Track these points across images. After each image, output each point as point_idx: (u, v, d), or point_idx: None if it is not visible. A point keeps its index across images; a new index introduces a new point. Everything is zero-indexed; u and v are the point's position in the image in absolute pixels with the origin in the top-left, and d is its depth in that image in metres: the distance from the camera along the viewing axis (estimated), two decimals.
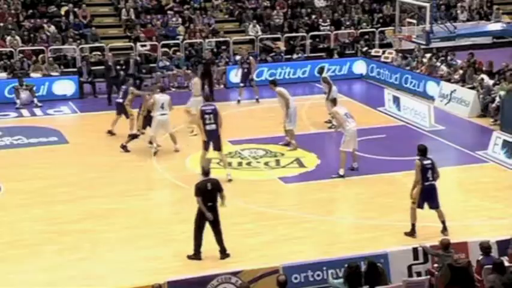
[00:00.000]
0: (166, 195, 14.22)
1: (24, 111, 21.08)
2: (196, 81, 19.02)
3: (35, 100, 21.58)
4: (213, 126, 14.39)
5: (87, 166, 15.77)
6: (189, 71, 22.99)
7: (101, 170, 15.41)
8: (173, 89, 23.42)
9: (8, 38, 24.05)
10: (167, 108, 16.38)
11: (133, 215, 13.04)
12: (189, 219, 12.20)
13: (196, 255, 11.21)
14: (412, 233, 11.84)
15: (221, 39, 25.65)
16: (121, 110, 17.91)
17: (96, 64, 23.90)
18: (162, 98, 16.61)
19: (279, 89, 16.95)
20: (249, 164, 15.97)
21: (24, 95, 21.65)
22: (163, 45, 24.88)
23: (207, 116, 14.42)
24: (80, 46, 24.33)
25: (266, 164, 15.91)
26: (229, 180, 14.41)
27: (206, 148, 14.59)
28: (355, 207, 12.98)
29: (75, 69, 23.42)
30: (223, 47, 25.30)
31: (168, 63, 23.88)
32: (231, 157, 16.24)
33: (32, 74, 22.84)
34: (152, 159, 16.13)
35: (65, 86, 22.32)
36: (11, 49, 23.75)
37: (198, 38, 25.45)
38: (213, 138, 14.60)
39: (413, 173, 11.88)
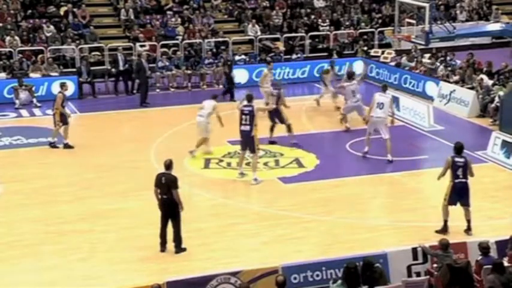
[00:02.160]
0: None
1: (24, 112, 21.08)
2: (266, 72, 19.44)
3: (34, 100, 21.58)
4: (247, 128, 14.49)
5: (86, 166, 15.77)
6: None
7: (100, 170, 15.41)
8: (172, 89, 23.46)
9: (7, 38, 24.05)
10: (206, 110, 16.29)
11: (132, 215, 13.04)
12: (187, 219, 12.23)
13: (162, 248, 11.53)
14: (444, 230, 11.91)
15: (220, 39, 25.67)
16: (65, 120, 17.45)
17: (96, 64, 23.94)
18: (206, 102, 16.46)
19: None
20: (248, 164, 15.97)
21: (23, 95, 21.67)
22: (163, 46, 24.89)
23: (243, 117, 14.58)
24: (79, 46, 24.34)
25: (265, 164, 15.90)
26: (256, 180, 14.49)
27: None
28: (354, 208, 12.99)
29: (74, 70, 23.45)
30: (223, 47, 25.33)
31: (167, 64, 23.88)
32: (231, 157, 16.24)
33: (31, 74, 22.84)
34: (152, 159, 16.14)
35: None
36: (10, 49, 23.74)
37: (197, 38, 25.47)
38: (244, 139, 14.66)
39: (412, 173, 11.92)
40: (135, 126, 19.16)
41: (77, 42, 24.56)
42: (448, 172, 12.05)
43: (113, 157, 16.37)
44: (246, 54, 25.19)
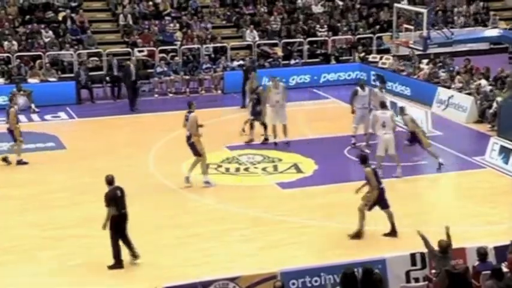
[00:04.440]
0: (161, 201, 14.14)
1: (22, 117, 20.91)
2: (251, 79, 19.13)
3: (33, 106, 21.53)
4: (187, 133, 14.64)
5: (83, 171, 15.74)
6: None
7: (98, 175, 15.17)
8: (171, 95, 23.44)
9: (5, 43, 24.03)
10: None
11: (129, 221, 12.94)
12: (184, 225, 12.19)
13: (119, 264, 11.23)
14: (357, 236, 12.19)
15: (218, 44, 25.66)
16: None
17: (94, 70, 23.92)
18: None
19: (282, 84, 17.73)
20: (246, 169, 15.95)
21: (21, 100, 21.59)
22: (161, 51, 24.87)
23: (186, 123, 14.85)
24: (78, 52, 24.33)
25: (264, 169, 15.89)
26: (208, 183, 14.59)
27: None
28: (352, 213, 12.93)
29: (72, 75, 23.44)
30: (221, 53, 25.32)
31: (165, 69, 23.87)
32: (229, 163, 16.23)
33: (30, 80, 22.84)
34: (150, 164, 16.08)
35: (63, 92, 22.27)
36: (8, 54, 23.72)
37: (195, 44, 25.45)
38: (188, 145, 14.85)
39: (409, 179, 11.90)
40: (133, 132, 19.13)
41: (75, 47, 24.56)
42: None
43: (110, 162, 16.29)
44: (243, 59, 25.17)
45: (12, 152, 16.61)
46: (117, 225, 11.13)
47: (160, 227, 12.74)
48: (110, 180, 11.30)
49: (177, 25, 26.33)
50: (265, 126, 17.39)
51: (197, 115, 14.61)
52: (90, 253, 11.71)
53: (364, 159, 12.14)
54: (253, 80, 19.03)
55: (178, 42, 25.50)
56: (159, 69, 23.83)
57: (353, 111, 17.10)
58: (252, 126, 17.48)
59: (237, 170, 15.90)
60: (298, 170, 15.71)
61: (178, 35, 25.91)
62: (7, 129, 16.63)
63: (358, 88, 17.67)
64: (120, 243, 11.27)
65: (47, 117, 21.10)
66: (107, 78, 23.23)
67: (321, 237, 12.31)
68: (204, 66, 24.10)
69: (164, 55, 24.73)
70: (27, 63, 23.69)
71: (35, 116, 21.12)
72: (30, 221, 13.13)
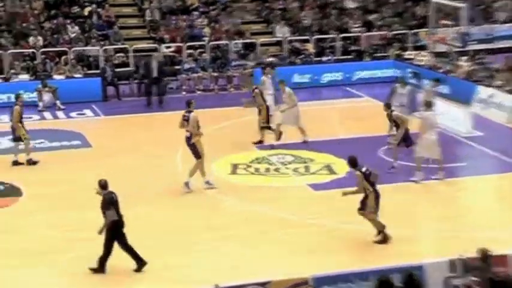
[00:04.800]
0: (189, 202, 14.13)
1: (47, 114, 21.28)
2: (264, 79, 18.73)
3: (58, 103, 21.73)
4: (187, 134, 14.50)
5: (110, 170, 15.67)
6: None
7: (125, 175, 15.38)
8: (199, 92, 23.47)
9: (31, 38, 24.26)
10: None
11: (155, 222, 12.98)
12: (212, 227, 12.15)
13: (102, 269, 11.02)
14: (384, 240, 11.97)
15: (248, 40, 25.61)
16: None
17: (120, 66, 24.04)
18: None
19: (288, 89, 17.34)
20: (277, 170, 15.88)
21: (46, 97, 21.85)
22: (189, 47, 24.90)
23: (184, 123, 14.75)
24: (104, 47, 24.46)
25: (295, 170, 15.80)
26: (187, 186, 14.45)
27: None
28: (389, 216, 12.77)
29: (98, 71, 23.60)
30: (250, 49, 25.27)
31: (193, 65, 23.91)
32: (258, 163, 16.18)
33: (55, 76, 23.06)
34: (178, 163, 16.10)
35: (89, 88, 22.49)
36: (34, 50, 23.95)
37: (224, 40, 25.44)
38: (188, 146, 14.78)
39: (451, 181, 11.69)
40: (161, 130, 19.16)
41: (101, 43, 24.68)
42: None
43: (136, 161, 16.38)
44: (274, 56, 25.11)
45: (16, 151, 16.50)
46: (117, 230, 10.93)
47: (188, 228, 12.71)
48: (104, 185, 11.11)
49: (205, 20, 26.35)
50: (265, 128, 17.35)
51: (197, 115, 14.48)
52: (113, 256, 11.61)
53: (353, 162, 11.92)
54: (266, 76, 18.73)
55: (207, 38, 25.51)
56: (186, 66, 23.88)
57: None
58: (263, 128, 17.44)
59: (267, 170, 15.84)
60: (331, 171, 15.58)
61: (207, 30, 25.93)
62: (11, 127, 16.56)
63: (398, 86, 17.52)
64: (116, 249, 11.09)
65: (73, 114, 21.27)
66: (135, 75, 23.30)
67: (353, 241, 12.16)
68: (233, 63, 24.08)
69: (192, 51, 24.75)
70: (52, 59, 23.89)
71: (60, 113, 21.33)
72: (53, 221, 13.18)
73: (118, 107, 21.90)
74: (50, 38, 24.63)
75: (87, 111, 21.53)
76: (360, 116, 19.86)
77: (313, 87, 23.71)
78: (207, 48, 24.96)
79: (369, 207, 11.85)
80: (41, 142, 18.11)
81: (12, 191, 14.68)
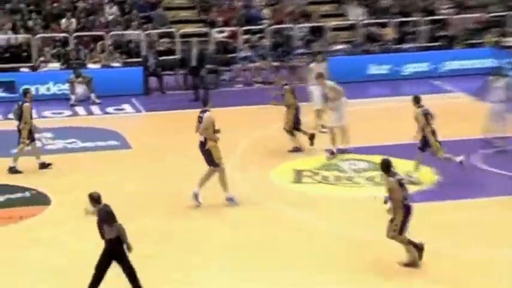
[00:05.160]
0: (245, 215, 14.06)
1: (80, 109, 21.58)
2: (313, 67, 18.98)
3: (93, 96, 22.02)
4: (202, 138, 14.21)
5: (152, 175, 15.89)
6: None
7: (167, 181, 15.44)
8: (257, 85, 23.47)
9: (63, 21, 24.64)
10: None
11: (207, 237, 12.94)
12: (271, 239, 12.01)
13: None
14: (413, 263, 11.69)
15: (315, 24, 25.49)
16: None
17: (165, 53, 24.22)
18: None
19: (330, 82, 17.17)
20: (349, 178, 15.72)
21: (80, 89, 22.17)
22: (245, 31, 24.94)
23: (199, 125, 14.34)
24: (146, 32, 24.67)
25: (369, 179, 15.63)
26: (231, 200, 14.23)
27: None
28: (492, 239, 12.40)
29: (139, 60, 23.81)
30: (318, 35, 25.15)
31: (250, 54, 23.93)
32: (327, 170, 16.04)
33: (89, 65, 23.40)
34: (231, 170, 16.04)
35: (128, 79, 22.77)
36: (66, 34, 24.32)
37: (287, 23, 25.39)
38: (201, 152, 14.56)
39: None
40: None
41: (144, 26, 24.90)
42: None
43: (183, 166, 16.36)
44: (347, 42, 24.96)
45: (36, 153, 16.63)
46: (118, 249, 10.74)
47: (242, 247, 12.63)
48: (97, 198, 10.83)
49: (265, 0, 26.36)
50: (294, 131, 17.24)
51: (213, 115, 14.25)
52: (157, 274, 11.66)
53: (387, 166, 11.66)
54: (317, 64, 18.76)
55: (266, 21, 25.49)
56: (242, 54, 23.94)
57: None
58: (293, 132, 17.25)
59: (338, 179, 15.68)
60: (414, 181, 15.31)
61: (266, 12, 25.90)
62: (17, 127, 16.40)
63: (493, 78, 17.17)
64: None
65: (109, 109, 21.53)
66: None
67: (440, 264, 11.90)
68: (298, 50, 24.03)
69: (249, 36, 24.77)
70: (87, 45, 24.25)
71: (95, 108, 21.63)
72: (88, 234, 13.25)
73: (161, 101, 22.03)
74: (84, 20, 25.00)
75: (126, 106, 21.77)
76: (449, 115, 19.45)
77: (392, 80, 23.50)
78: (267, 33, 24.95)
79: (394, 225, 11.57)
80: (72, 142, 18.34)
81: (40, 199, 14.85)
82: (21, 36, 24.23)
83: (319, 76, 17.27)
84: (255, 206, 14.38)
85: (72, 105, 21.75)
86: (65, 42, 24.26)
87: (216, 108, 20.24)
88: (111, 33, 24.50)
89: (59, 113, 21.21)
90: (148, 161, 16.87)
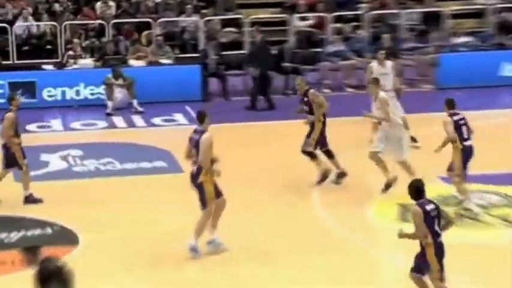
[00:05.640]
0: (350, 260, 13.97)
1: (118, 120, 21.90)
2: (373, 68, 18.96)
3: (135, 102, 22.27)
4: (194, 168, 14.06)
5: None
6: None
7: (231, 214, 15.30)
8: (349, 90, 23.30)
9: (98, 4, 24.96)
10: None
11: None
12: None
13: None
14: None
15: (430, 9, 25.25)
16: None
17: (230, 47, 24.42)
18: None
19: (382, 95, 16.64)
20: (474, 217, 15.55)
21: (119, 94, 22.43)
22: (336, 19, 24.88)
23: (192, 151, 14.11)
24: (205, 18, 24.86)
25: (504, 218, 15.42)
26: (194, 250, 13.88)
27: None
28: None
29: (196, 55, 24.07)
30: (434, 24, 24.92)
31: (342, 48, 23.80)
32: (447, 204, 15.76)
33: (132, 61, 23.67)
34: (315, 203, 16.06)
35: (181, 81, 22.98)
36: (102, 21, 24.67)
37: (391, 8, 25.23)
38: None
39: None
40: (287, 148, 18.86)
41: (202, 12, 25.12)
42: None
43: (251, 198, 16.33)
44: (472, 34, 24.64)
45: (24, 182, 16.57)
46: None
47: None
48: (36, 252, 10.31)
49: None
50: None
51: (212, 136, 13.96)
52: None
53: (415, 191, 11.65)
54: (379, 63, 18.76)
55: (364, 5, 25.39)
56: (331, 49, 23.84)
57: None
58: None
59: (460, 216, 15.46)
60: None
61: None
62: (2, 145, 16.27)
63: None
64: None
65: (156, 120, 21.74)
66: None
67: None
68: (407, 44, 23.86)
69: (341, 25, 24.75)
70: (128, 35, 24.54)
71: (137, 119, 21.91)
72: (123, 283, 13.33)
73: (225, 110, 22.01)
74: (125, 4, 25.34)
75: (178, 116, 21.99)
76: None
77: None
78: (365, 21, 24.87)
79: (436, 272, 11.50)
80: (108, 163, 18.49)
81: (65, 236, 14.93)
82: (45, 24, 24.61)
83: (373, 82, 16.86)
84: (350, 252, 14.28)
85: (109, 114, 22.09)
86: (100, 32, 24.57)
87: (290, 121, 20.61)
88: (160, 20, 24.73)
89: (91, 125, 21.57)
90: None
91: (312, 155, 16.96)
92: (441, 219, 11.61)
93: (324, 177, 16.91)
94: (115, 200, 16.52)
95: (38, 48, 24.37)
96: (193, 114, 21.67)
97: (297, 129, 18.73)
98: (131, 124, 21.61)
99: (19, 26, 24.53)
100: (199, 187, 13.89)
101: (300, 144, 17.02)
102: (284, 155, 18.66)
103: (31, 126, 21.16)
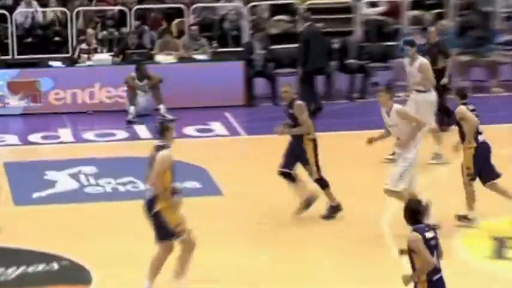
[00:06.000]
0: None
1: (141, 129, 21.95)
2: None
3: (162, 108, 22.35)
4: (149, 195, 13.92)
5: (255, 244, 15.92)
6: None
7: (279, 252, 15.43)
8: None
9: None
10: None
11: None
12: None
13: None
14: None
15: None
16: None
17: (280, 39, 24.43)
18: None
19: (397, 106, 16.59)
20: None
21: (143, 98, 22.53)
22: (413, 4, 25.02)
23: None
24: (251, 4, 25.08)
25: None
26: None
27: None
28: None
29: (239, 49, 24.24)
30: None
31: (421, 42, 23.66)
32: None
33: (159, 57, 23.73)
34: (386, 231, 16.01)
35: (220, 81, 22.98)
36: (123, 7, 24.85)
37: None
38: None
39: None
40: (360, 163, 19.29)
41: None
42: None
43: (302, 227, 16.32)
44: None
45: None
46: None
47: None
48: None
49: None
50: None
51: (171, 155, 13.70)
52: None
53: (412, 214, 11.64)
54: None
55: None
56: (408, 41, 23.65)
57: None
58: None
59: None
60: None
61: None
62: None
63: None
64: None
65: (189, 130, 21.71)
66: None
67: None
68: (501, 37, 23.71)
69: (420, 13, 24.88)
70: (155, 24, 24.63)
71: None
72: None
73: (274, 117, 21.92)
74: None
75: (216, 126, 22.01)
76: None
77: None
78: (450, 9, 24.97)
79: None
80: (128, 182, 18.50)
81: (74, 274, 14.88)
82: (52, 10, 24.70)
83: (384, 90, 16.66)
84: None
85: (130, 122, 22.23)
86: (120, 21, 24.73)
87: (357, 131, 20.50)
88: (195, 5, 24.84)
89: (108, 135, 21.62)
90: (247, 215, 16.91)
91: (290, 177, 16.88)
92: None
93: (309, 203, 16.81)
94: (137, 229, 15.94)
95: (44, 40, 24.45)
96: (235, 123, 21.74)
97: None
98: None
99: (21, 13, 24.67)
100: (156, 217, 13.75)
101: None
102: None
103: (34, 137, 21.31)
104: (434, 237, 11.55)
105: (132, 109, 22.34)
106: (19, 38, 24.40)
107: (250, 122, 22.15)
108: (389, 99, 16.42)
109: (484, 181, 16.23)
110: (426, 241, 11.50)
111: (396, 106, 16.41)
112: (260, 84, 23.38)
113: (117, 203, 17.63)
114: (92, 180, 18.58)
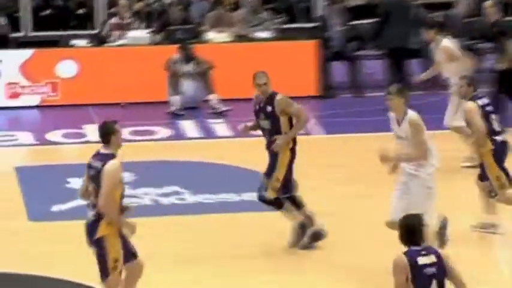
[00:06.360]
0: None
1: (188, 125, 22.14)
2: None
3: (214, 99, 22.50)
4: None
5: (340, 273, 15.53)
6: None
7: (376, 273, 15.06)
8: None
9: None
10: None
11: None
12: None
13: None
14: None
15: None
16: None
17: (363, 13, 24.67)
18: None
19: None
20: None
21: (189, 86, 22.54)
22: None
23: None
24: None
25: None
26: None
27: None
28: None
29: (311, 25, 24.51)
30: None
31: None
32: None
33: (210, 35, 23.79)
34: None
35: (286, 66, 22.94)
36: None
37: None
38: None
39: None
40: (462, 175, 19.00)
41: None
42: None
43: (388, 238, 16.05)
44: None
45: None
46: None
47: None
48: None
49: None
50: None
51: (119, 166, 13.47)
52: None
53: (407, 235, 11.59)
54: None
55: None
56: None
57: None
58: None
59: None
60: None
61: None
62: None
63: None
64: None
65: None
66: None
67: None
68: None
69: None
70: None
71: (217, 124, 22.12)
72: None
73: (357, 112, 21.76)
74: None
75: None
76: None
77: None
78: None
79: None
80: (172, 193, 18.57)
81: None
82: None
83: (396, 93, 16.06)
84: None
85: (174, 116, 22.31)
86: None
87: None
88: None
89: (146, 133, 21.75)
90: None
91: (277, 204, 16.77)
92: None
93: (304, 228, 16.63)
94: (184, 251, 16.42)
95: (65, 13, 24.53)
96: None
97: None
98: (208, 132, 21.76)
99: None
100: (98, 244, 13.67)
101: None
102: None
103: (53, 135, 21.60)
104: (435, 264, 11.51)
105: (176, 99, 22.44)
106: (34, 11, 24.70)
107: (328, 116, 22.19)
108: (403, 104, 15.99)
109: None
110: (418, 269, 11.48)
111: (411, 114, 15.97)
112: (338, 69, 23.15)
113: (159, 219, 17.58)
114: (127, 190, 18.37)
